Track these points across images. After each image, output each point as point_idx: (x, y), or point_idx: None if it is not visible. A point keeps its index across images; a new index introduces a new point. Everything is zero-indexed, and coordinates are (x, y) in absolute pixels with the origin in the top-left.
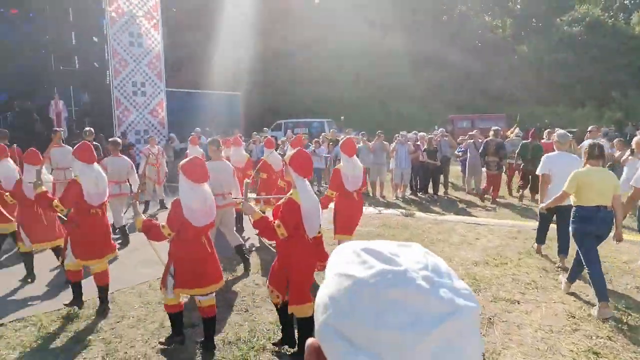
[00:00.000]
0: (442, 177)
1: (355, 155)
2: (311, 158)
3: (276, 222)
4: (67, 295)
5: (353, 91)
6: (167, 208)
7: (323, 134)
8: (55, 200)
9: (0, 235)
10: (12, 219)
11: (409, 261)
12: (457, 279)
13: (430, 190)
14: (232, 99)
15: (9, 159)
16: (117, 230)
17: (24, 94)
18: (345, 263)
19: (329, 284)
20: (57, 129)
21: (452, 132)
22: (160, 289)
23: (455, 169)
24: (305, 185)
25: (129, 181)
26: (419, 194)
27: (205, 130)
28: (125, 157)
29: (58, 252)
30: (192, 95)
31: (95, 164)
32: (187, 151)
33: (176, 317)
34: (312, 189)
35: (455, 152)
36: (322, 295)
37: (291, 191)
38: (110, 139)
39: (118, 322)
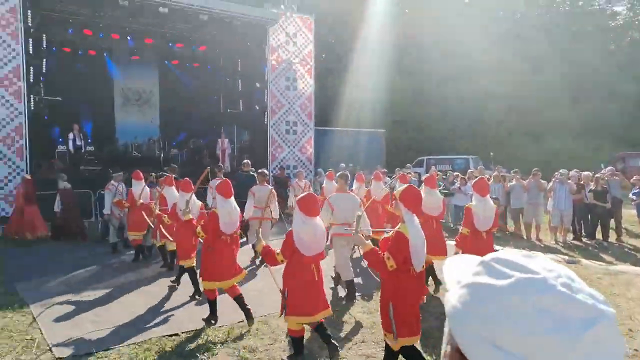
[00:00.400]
0: (613, 221)
1: (487, 196)
2: (420, 194)
3: (386, 254)
4: (229, 311)
5: (503, 126)
6: None
7: (470, 170)
8: (198, 227)
9: (170, 253)
10: (172, 238)
11: (542, 269)
12: (586, 285)
13: (599, 236)
14: (375, 136)
15: (173, 187)
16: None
17: (197, 133)
18: (474, 274)
19: (458, 295)
20: (220, 164)
21: (624, 170)
22: (280, 314)
23: (628, 213)
24: (413, 219)
25: (270, 207)
26: (585, 240)
27: (348, 167)
28: (269, 186)
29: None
30: (337, 133)
31: (232, 198)
32: (324, 184)
33: (298, 341)
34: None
35: (630, 195)
36: (455, 305)
37: (399, 225)
38: (259, 170)
39: (271, 344)
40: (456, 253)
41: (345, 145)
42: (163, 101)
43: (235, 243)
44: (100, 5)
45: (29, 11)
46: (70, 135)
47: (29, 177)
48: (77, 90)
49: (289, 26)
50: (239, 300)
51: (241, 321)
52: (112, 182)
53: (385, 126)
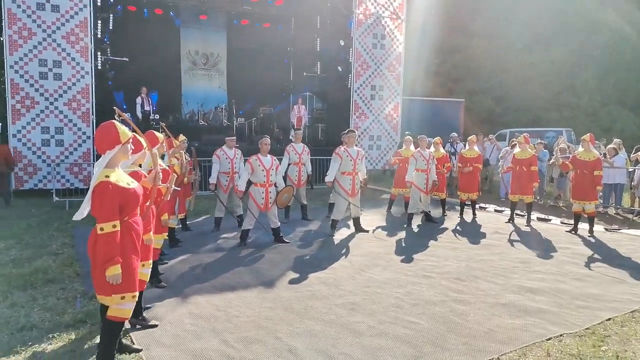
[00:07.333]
0: None
1: None
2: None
3: None
4: None
5: (595, 95)
6: None
7: (612, 144)
8: None
9: None
10: None
11: None
12: None
13: None
14: (453, 106)
15: None
16: None
17: (268, 100)
18: None
19: None
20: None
21: None
22: None
23: None
24: None
25: None
26: None
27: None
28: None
29: None
30: (414, 102)
31: None
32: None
33: None
34: None
35: None
36: None
37: None
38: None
39: None
40: None
41: (423, 115)
42: (231, 66)
43: None
44: None
45: None
46: (138, 100)
47: None
48: (142, 52)
49: None
50: None
51: None
52: (224, 147)
53: (462, 95)
